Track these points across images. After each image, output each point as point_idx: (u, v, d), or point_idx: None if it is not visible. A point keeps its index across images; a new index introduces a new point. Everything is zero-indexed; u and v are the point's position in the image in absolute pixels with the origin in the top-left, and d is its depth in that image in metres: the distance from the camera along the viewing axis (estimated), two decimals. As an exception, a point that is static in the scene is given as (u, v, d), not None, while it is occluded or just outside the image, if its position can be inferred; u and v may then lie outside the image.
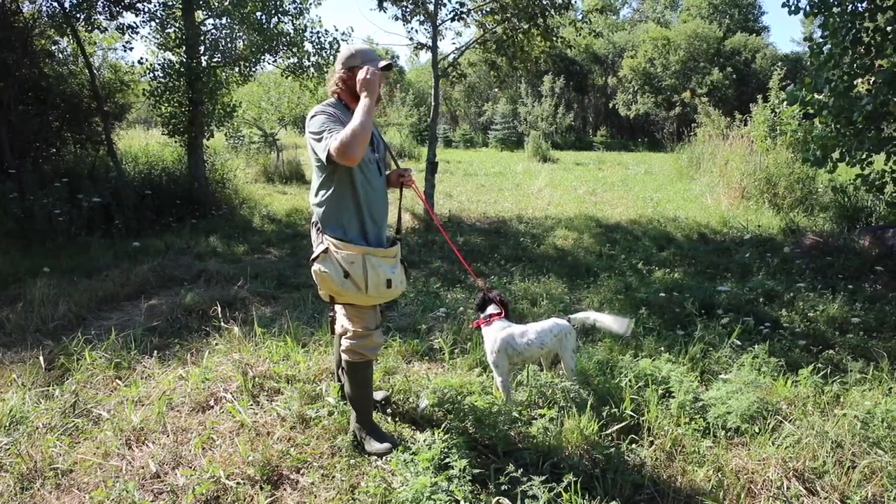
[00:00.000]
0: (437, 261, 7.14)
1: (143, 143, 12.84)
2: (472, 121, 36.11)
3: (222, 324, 4.38)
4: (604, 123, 35.38)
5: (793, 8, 6.87)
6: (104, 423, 3.24)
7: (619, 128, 35.40)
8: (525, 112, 28.37)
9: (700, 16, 33.86)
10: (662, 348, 4.33)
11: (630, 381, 3.67)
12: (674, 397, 3.57)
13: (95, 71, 10.18)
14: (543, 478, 2.62)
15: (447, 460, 2.70)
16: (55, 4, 9.10)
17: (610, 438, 3.17)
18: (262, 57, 9.48)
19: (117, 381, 3.81)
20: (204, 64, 9.11)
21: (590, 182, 15.54)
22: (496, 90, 31.07)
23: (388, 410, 3.26)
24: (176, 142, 9.59)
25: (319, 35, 9.89)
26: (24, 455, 2.86)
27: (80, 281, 6.01)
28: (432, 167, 9.04)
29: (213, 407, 3.43)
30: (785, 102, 11.35)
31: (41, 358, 3.93)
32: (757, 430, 3.22)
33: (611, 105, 34.42)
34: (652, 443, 3.17)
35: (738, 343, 4.37)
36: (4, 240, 6.95)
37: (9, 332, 4.72)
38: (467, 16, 9.16)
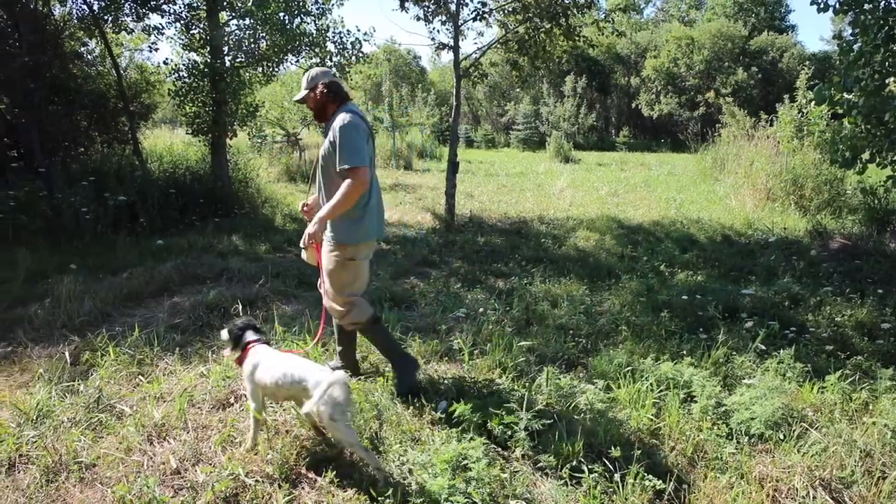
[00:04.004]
0: (457, 261, 7.12)
1: (168, 142, 13.01)
2: (493, 121, 36.04)
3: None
4: (626, 124, 35.07)
5: (822, 6, 6.72)
6: (127, 419, 3.28)
7: (642, 128, 35.08)
8: (547, 112, 28.20)
9: (725, 15, 33.37)
10: (685, 352, 4.27)
11: (651, 384, 3.62)
12: (696, 402, 3.53)
13: (122, 71, 10.33)
14: (562, 482, 2.60)
15: (465, 462, 2.69)
16: (84, 7, 9.27)
17: (630, 442, 3.13)
18: (285, 57, 9.54)
19: (140, 377, 3.85)
20: (227, 64, 9.19)
21: (612, 183, 15.42)
22: (518, 90, 30.89)
23: (409, 410, 3.24)
24: (200, 141, 9.69)
25: (342, 35, 9.93)
26: (50, 448, 2.91)
27: (106, 278, 6.10)
28: (453, 167, 9.03)
29: (233, 405, 3.46)
30: (812, 102, 11.15)
31: (66, 354, 4.00)
32: (782, 437, 3.16)
33: (633, 105, 34.11)
34: (673, 447, 3.13)
35: (763, 348, 4.29)
36: (33, 237, 7.07)
37: (36, 327, 4.79)
38: (489, 15, 9.13)
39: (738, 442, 3.20)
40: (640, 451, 2.98)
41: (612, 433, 3.15)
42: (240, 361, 3.08)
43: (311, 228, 3.27)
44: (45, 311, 5.04)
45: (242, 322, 3.22)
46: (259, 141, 14.79)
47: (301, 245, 3.44)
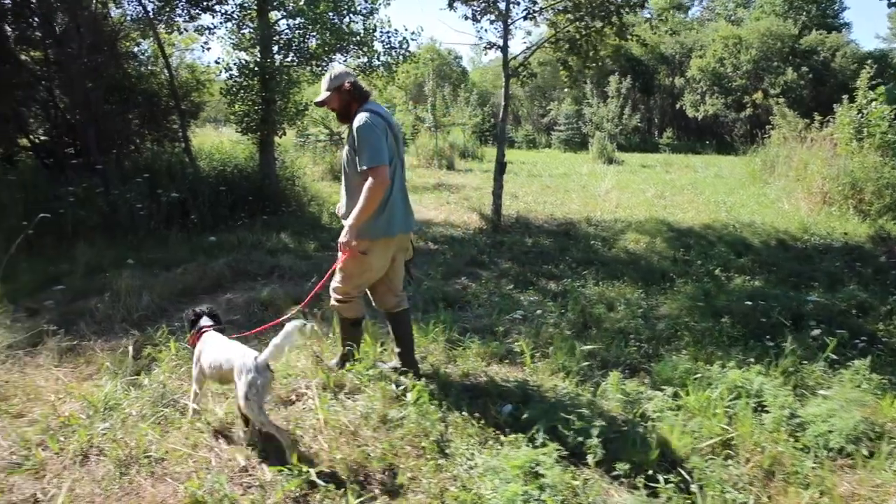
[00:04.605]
0: (506, 262, 7.05)
1: (214, 141, 13.22)
2: (534, 121, 35.74)
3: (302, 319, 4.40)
4: (669, 125, 34.39)
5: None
6: (190, 414, 3.30)
7: (686, 129, 34.32)
8: (590, 113, 27.83)
9: (775, 13, 32.37)
10: (752, 359, 4.11)
11: (721, 392, 3.49)
12: (767, 412, 3.39)
13: (174, 71, 10.53)
14: (637, 492, 2.51)
15: (537, 468, 2.62)
16: (140, 8, 9.48)
17: (703, 452, 3.02)
18: (333, 56, 9.59)
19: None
20: (277, 63, 9.28)
21: (657, 185, 15.12)
22: (565, 90, 30.51)
23: (476, 414, 3.18)
24: (248, 139, 9.81)
25: (389, 35, 9.95)
26: (120, 442, 2.94)
27: (161, 273, 6.21)
28: (501, 167, 8.95)
29: (294, 402, 3.46)
30: (874, 102, 10.74)
31: (130, 348, 4.06)
32: (867, 453, 3.00)
33: (677, 106, 33.43)
34: (748, 459, 3.00)
35: (834, 357, 4.11)
36: (91, 232, 7.24)
37: (98, 320, 4.90)
38: (539, 14, 9.02)
39: (816, 456, 3.06)
40: (714, 462, 2.87)
41: (685, 442, 3.03)
42: (192, 345, 3.32)
43: (342, 238, 3.32)
44: (106, 305, 5.14)
45: (200, 309, 3.46)
46: (303, 140, 14.92)
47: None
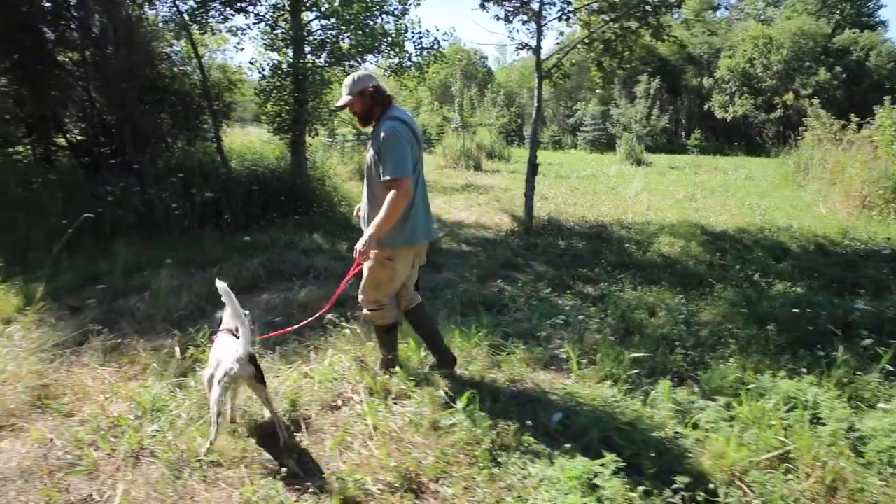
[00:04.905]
0: (541, 265, 6.98)
1: (243, 140, 13.30)
2: (560, 122, 35.47)
3: (342, 323, 4.40)
4: (697, 126, 33.86)
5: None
6: (237, 417, 3.29)
7: (714, 130, 33.77)
8: (618, 114, 27.53)
9: (807, 12, 31.70)
10: (803, 369, 4.00)
11: (777, 403, 3.39)
12: (823, 424, 3.28)
13: (206, 71, 10.62)
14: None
15: (595, 480, 2.56)
16: (174, 9, 9.57)
17: (762, 466, 2.93)
18: (366, 57, 9.59)
19: (244, 374, 3.88)
20: (310, 64, 9.30)
21: (687, 187, 14.91)
22: (597, 90, 30.19)
23: (529, 422, 3.12)
24: (280, 139, 9.86)
25: (421, 35, 9.93)
26: (171, 444, 2.94)
27: (197, 273, 6.23)
28: (533, 169, 8.87)
29: (340, 408, 3.43)
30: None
31: (177, 349, 4.07)
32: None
33: (705, 107, 32.93)
34: (809, 474, 2.90)
35: (890, 368, 3.98)
36: (128, 231, 7.31)
37: (139, 319, 4.93)
38: (574, 14, 8.92)
39: (879, 473, 2.95)
40: (775, 476, 2.79)
41: (742, 455, 2.95)
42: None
43: (360, 245, 3.29)
44: (146, 305, 5.19)
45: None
46: (331, 140, 14.97)
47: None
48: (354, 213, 3.81)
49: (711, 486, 2.67)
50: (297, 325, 3.95)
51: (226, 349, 3.06)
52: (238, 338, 3.07)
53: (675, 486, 2.63)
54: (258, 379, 3.00)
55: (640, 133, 25.33)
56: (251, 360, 2.96)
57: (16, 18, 7.96)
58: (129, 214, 7.58)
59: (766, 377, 3.75)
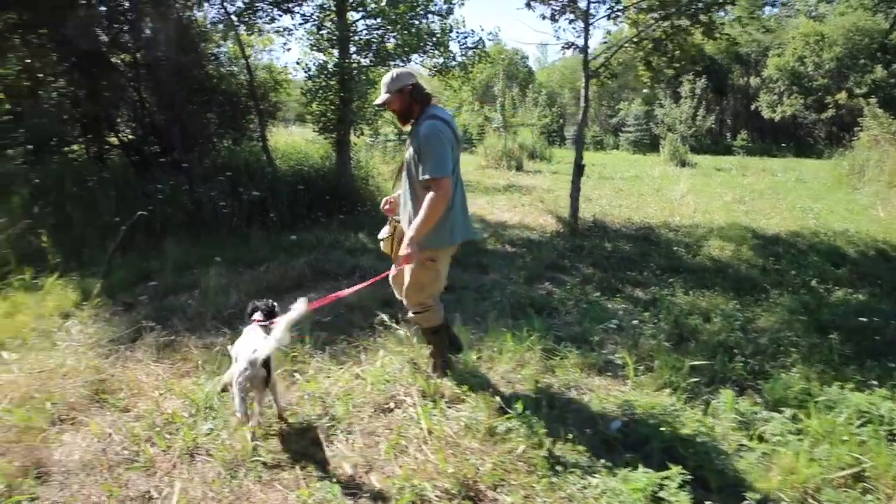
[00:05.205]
0: (588, 267, 6.84)
1: (287, 140, 13.43)
2: (602, 122, 34.99)
3: (392, 324, 4.37)
4: (744, 126, 32.96)
5: None
6: (290, 418, 3.28)
7: (761, 131, 32.84)
8: (662, 114, 26.98)
9: (863, 7, 30.47)
10: (873, 381, 3.80)
11: (849, 417, 3.22)
12: (899, 440, 3.10)
13: (253, 72, 10.76)
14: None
15: (660, 493, 2.45)
16: (223, 11, 9.72)
17: (835, 484, 2.78)
18: (411, 56, 9.59)
19: (295, 374, 3.88)
20: (355, 64, 9.34)
21: (735, 189, 14.50)
22: (644, 90, 29.64)
23: (587, 430, 3.03)
24: (325, 139, 9.91)
25: (466, 35, 9.88)
26: (226, 444, 2.94)
27: (245, 271, 6.30)
28: (579, 170, 8.73)
29: (393, 410, 3.39)
30: None
31: (228, 347, 4.09)
32: None
33: (752, 107, 32.04)
34: (890, 496, 2.74)
35: (968, 382, 3.75)
36: (178, 230, 7.43)
37: (190, 317, 4.98)
38: (622, 13, 8.73)
39: (963, 493, 2.77)
40: (850, 496, 2.64)
41: (814, 471, 2.80)
42: None
43: (403, 251, 3.26)
44: (197, 302, 5.24)
45: (255, 304, 3.64)
46: (374, 139, 15.01)
47: (379, 237, 3.85)
48: (382, 205, 3.82)
49: (783, 503, 2.53)
50: (345, 292, 3.94)
51: (247, 346, 3.08)
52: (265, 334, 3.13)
53: (745, 503, 2.51)
54: (265, 382, 3.05)
55: (685, 134, 24.75)
56: (265, 363, 2.99)
57: (74, 22, 8.18)
58: (178, 213, 7.70)
59: (834, 389, 3.59)
